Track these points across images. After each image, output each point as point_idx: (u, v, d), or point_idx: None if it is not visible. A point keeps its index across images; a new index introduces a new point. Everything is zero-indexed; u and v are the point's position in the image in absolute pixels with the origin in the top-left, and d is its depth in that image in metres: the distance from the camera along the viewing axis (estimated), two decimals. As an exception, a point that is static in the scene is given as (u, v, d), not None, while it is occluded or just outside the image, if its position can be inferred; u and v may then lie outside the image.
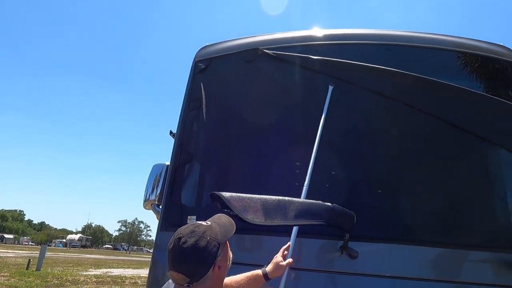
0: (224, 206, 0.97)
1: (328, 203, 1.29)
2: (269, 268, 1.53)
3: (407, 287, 1.74)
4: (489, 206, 2.04)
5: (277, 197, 1.07)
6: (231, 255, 1.29)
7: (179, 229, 1.21)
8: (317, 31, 2.53)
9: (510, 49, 2.46)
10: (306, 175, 1.93)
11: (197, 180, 2.24)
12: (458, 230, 1.89)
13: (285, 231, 1.65)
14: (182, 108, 2.42)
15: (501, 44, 2.51)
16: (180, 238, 1.15)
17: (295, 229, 1.53)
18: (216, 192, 0.97)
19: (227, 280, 1.33)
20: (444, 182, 1.99)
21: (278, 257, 1.56)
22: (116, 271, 19.00)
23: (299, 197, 1.60)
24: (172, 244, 1.16)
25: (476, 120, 2.02)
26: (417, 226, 1.86)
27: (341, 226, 1.43)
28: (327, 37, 2.45)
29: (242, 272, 1.67)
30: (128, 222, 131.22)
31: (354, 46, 2.34)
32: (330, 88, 2.13)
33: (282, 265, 1.52)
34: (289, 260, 1.56)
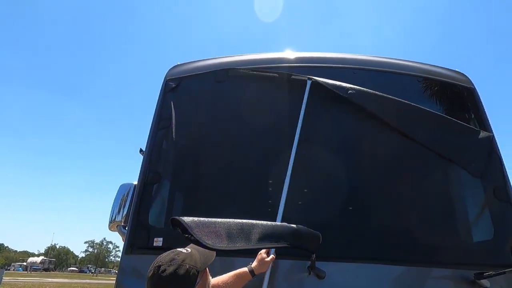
0: (184, 231, 0.95)
1: (293, 225, 1.30)
2: (254, 264, 1.59)
3: None
4: (453, 225, 2.13)
5: (240, 221, 1.07)
6: (210, 281, 1.31)
7: (159, 256, 1.21)
8: (288, 54, 2.61)
9: (465, 75, 2.64)
10: (277, 195, 1.95)
11: (165, 200, 2.19)
12: (421, 248, 1.94)
13: (254, 253, 1.64)
14: (151, 127, 2.39)
15: (457, 70, 2.69)
16: (159, 266, 1.17)
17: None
18: (177, 217, 0.96)
19: (214, 280, 1.36)
20: (409, 201, 2.06)
21: (262, 254, 1.62)
22: (80, 296, 17.91)
23: (272, 217, 1.61)
24: (152, 272, 1.17)
25: (439, 141, 2.14)
26: (383, 244, 1.90)
27: (307, 247, 1.44)
28: (297, 60, 2.52)
29: None
30: (96, 242, 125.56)
31: (322, 69, 2.42)
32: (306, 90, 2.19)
33: (266, 261, 1.58)
34: (272, 255, 1.62)
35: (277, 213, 1.68)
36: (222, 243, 0.97)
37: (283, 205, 1.72)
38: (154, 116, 2.45)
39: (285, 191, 1.80)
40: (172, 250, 1.21)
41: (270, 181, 2.05)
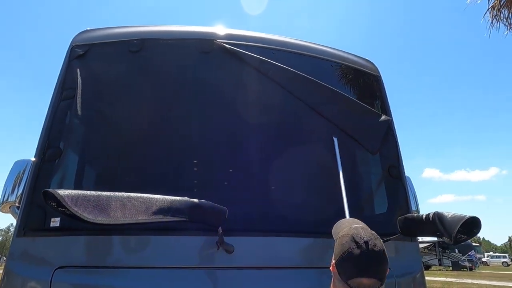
0: (60, 205, 0.86)
1: (195, 200, 1.28)
2: None
3: (281, 275, 1.86)
4: (355, 199, 2.32)
5: (132, 194, 1.00)
6: None
7: (351, 231, 1.17)
8: (211, 29, 2.53)
9: (373, 63, 2.87)
10: (191, 170, 1.92)
11: (67, 178, 2.00)
12: (325, 221, 2.09)
13: (156, 229, 1.59)
14: (52, 97, 2.15)
15: (367, 58, 2.90)
16: (367, 242, 1.12)
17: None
18: (50, 190, 0.86)
19: None
20: (314, 176, 2.20)
21: None
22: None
23: (181, 193, 1.57)
24: (359, 249, 1.10)
25: (344, 120, 2.29)
26: (290, 218, 2.01)
27: (209, 222, 1.44)
28: (219, 36, 2.46)
29: (130, 276, 1.59)
30: (1, 229, 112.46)
31: (241, 47, 2.40)
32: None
33: None
34: None
35: (186, 188, 1.66)
36: (106, 217, 0.89)
37: (193, 180, 1.70)
38: (56, 85, 2.21)
39: (197, 166, 1.78)
40: (353, 225, 1.22)
41: (183, 156, 2.01)
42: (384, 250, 1.13)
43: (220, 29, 2.53)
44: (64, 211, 0.84)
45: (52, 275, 1.59)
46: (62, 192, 0.85)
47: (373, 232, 1.20)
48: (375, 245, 1.12)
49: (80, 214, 0.84)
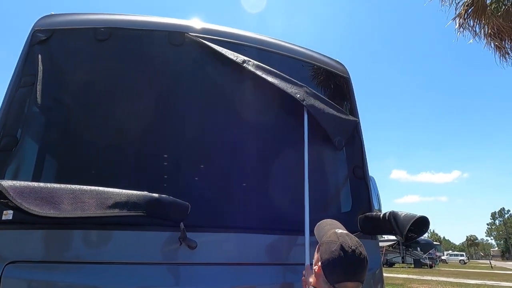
0: (2, 197, 0.81)
1: (155, 194, 1.26)
2: None
3: (243, 271, 1.87)
4: (322, 199, 2.36)
5: (85, 186, 0.96)
6: None
7: (339, 239, 1.26)
8: (184, 21, 2.48)
9: (343, 65, 2.93)
10: (156, 164, 1.89)
11: (23, 169, 1.90)
12: (290, 219, 2.12)
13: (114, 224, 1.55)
14: (10, 83, 2.04)
15: (337, 60, 2.96)
16: (354, 250, 1.23)
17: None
18: (-10, 180, 0.80)
19: None
20: (281, 175, 2.21)
21: None
22: None
23: (147, 187, 1.53)
24: (347, 257, 1.21)
25: (313, 119, 2.32)
26: (251, 214, 2.02)
27: (170, 217, 1.41)
28: (189, 29, 2.42)
29: (87, 272, 1.55)
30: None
31: (213, 42, 2.38)
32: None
33: None
34: None
35: (148, 182, 1.62)
36: (54, 211, 0.85)
37: (156, 174, 1.67)
38: (15, 71, 2.09)
39: (162, 160, 1.75)
40: (340, 231, 1.32)
41: (147, 149, 1.97)
42: (366, 257, 1.26)
43: (192, 22, 2.49)
44: (7, 203, 0.79)
45: (3, 270, 1.52)
46: (5, 182, 0.80)
47: (357, 239, 1.31)
48: (360, 253, 1.25)
49: (25, 207, 0.79)
